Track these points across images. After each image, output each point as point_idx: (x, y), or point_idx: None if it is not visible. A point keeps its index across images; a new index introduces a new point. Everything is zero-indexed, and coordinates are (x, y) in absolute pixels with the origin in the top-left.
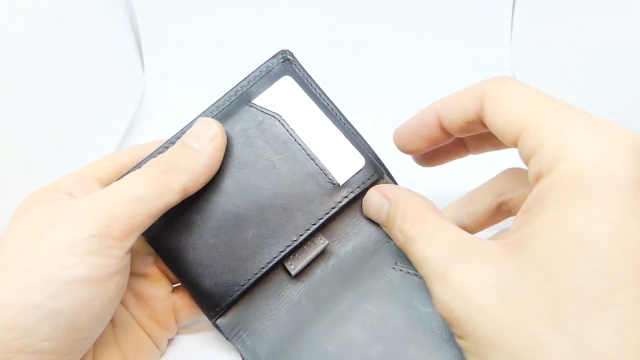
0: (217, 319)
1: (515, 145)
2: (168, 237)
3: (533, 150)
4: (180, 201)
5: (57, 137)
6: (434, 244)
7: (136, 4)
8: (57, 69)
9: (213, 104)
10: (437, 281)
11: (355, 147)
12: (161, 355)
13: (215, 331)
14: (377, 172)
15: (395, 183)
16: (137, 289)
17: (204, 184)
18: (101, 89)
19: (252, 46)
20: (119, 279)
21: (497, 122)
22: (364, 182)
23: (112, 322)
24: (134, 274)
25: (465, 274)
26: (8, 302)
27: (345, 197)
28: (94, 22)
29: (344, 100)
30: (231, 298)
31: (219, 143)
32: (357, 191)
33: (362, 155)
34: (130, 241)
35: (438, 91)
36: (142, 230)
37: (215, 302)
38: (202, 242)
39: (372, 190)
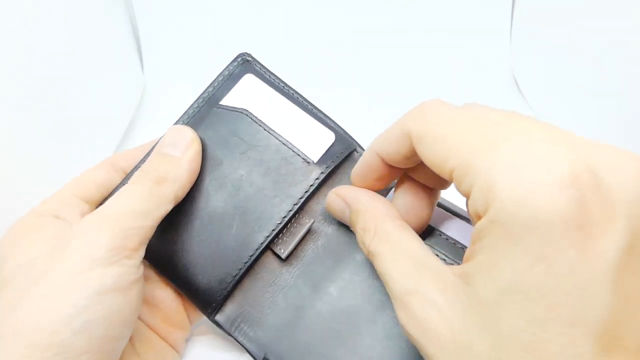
0: (215, 315)
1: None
2: (156, 244)
3: (467, 191)
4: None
5: (57, 137)
6: (395, 263)
7: (136, 4)
8: (57, 69)
9: (183, 113)
10: (398, 305)
11: (323, 125)
12: (181, 358)
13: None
14: (349, 146)
15: None
16: (145, 294)
17: (189, 188)
18: (101, 89)
19: (252, 46)
20: (139, 286)
21: (428, 162)
22: (337, 156)
23: None
24: None
25: (424, 303)
26: (40, 322)
27: (322, 172)
28: (94, 22)
29: (344, 99)
30: (225, 291)
31: (197, 147)
32: (332, 165)
33: (331, 130)
34: (143, 250)
35: (438, 91)
36: (149, 239)
37: (210, 298)
38: (190, 243)
39: (331, 194)
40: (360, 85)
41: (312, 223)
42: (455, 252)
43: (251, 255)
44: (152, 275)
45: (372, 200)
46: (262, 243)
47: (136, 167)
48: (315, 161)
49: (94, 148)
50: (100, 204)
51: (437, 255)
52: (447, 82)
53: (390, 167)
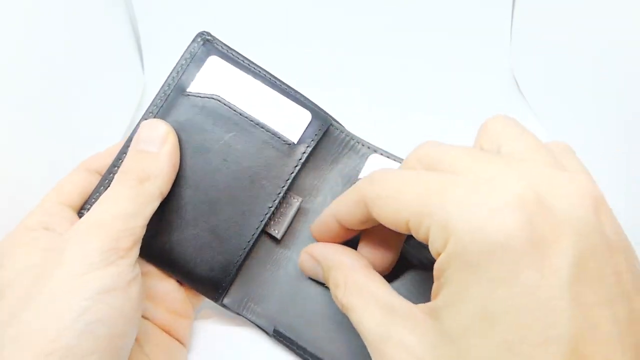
0: (223, 299)
1: (410, 233)
2: (152, 242)
3: (425, 235)
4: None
5: (57, 137)
6: (367, 313)
7: (136, 4)
8: (57, 69)
9: (151, 104)
10: (374, 353)
11: (298, 104)
12: (188, 350)
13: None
14: (325, 121)
15: (342, 126)
16: (147, 289)
17: (172, 183)
18: (101, 89)
19: (252, 46)
20: (137, 283)
21: (384, 220)
22: (316, 134)
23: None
24: None
25: (396, 347)
26: (44, 329)
27: (304, 152)
28: (94, 22)
29: (344, 99)
30: (229, 277)
31: (173, 140)
32: (313, 144)
33: (307, 109)
34: (137, 249)
35: (438, 91)
36: (141, 237)
37: (216, 286)
38: (185, 236)
39: (303, 253)
40: (360, 85)
41: (301, 201)
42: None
43: (249, 241)
44: (152, 270)
45: (340, 254)
46: (257, 228)
47: (112, 167)
48: (295, 142)
49: (94, 148)
50: (82, 207)
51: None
52: (447, 82)
53: (346, 230)
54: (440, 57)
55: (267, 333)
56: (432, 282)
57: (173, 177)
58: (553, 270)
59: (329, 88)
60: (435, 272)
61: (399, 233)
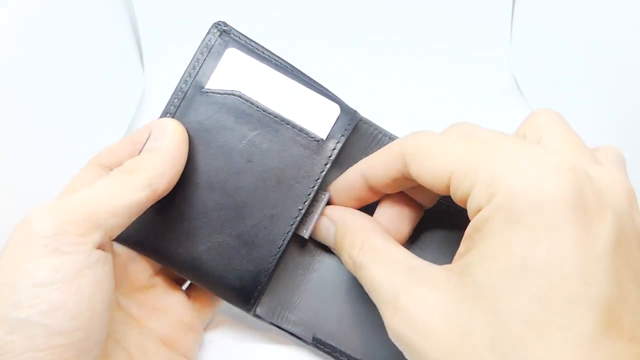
0: (255, 310)
1: (446, 191)
2: (180, 252)
3: (467, 191)
4: (153, 199)
5: (58, 137)
6: (383, 269)
7: (136, 4)
8: (57, 69)
9: (168, 103)
10: (388, 309)
11: (325, 97)
12: None
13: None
14: (354, 116)
15: (370, 120)
16: (152, 302)
17: (174, 180)
18: (102, 89)
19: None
20: (93, 274)
21: (423, 176)
22: (346, 129)
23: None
24: (141, 288)
25: (415, 301)
26: None
27: (334, 149)
28: (94, 22)
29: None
30: (261, 286)
31: (179, 136)
32: (343, 140)
33: (335, 102)
34: (95, 236)
35: (439, 91)
36: (110, 227)
37: (247, 296)
38: (212, 244)
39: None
40: (360, 85)
41: (328, 196)
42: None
43: (279, 247)
44: (158, 281)
45: (360, 217)
46: (288, 232)
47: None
48: (324, 138)
49: (94, 148)
50: None
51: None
52: (447, 81)
53: (369, 191)
54: (440, 56)
55: (305, 342)
56: (451, 252)
57: (172, 171)
58: (596, 236)
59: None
60: (469, 230)
61: (416, 208)
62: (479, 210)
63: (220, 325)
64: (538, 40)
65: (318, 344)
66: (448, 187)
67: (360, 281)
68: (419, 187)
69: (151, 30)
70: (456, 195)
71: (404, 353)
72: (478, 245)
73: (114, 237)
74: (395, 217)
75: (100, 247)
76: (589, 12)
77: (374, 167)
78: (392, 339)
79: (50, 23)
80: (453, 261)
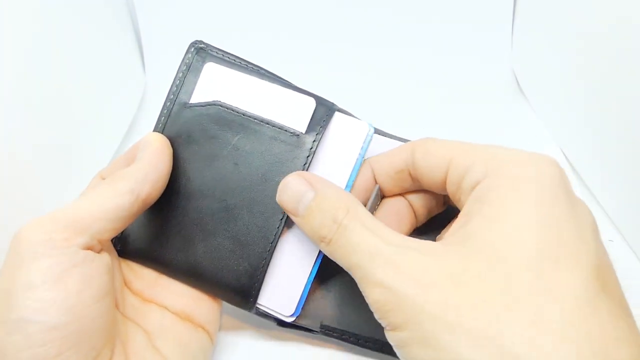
0: (255, 307)
1: (443, 184)
2: (179, 259)
3: (464, 170)
4: (137, 204)
5: (59, 137)
6: (373, 234)
7: (137, 4)
8: (58, 69)
9: (157, 121)
10: (378, 265)
11: (300, 92)
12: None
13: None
14: (331, 107)
15: (346, 111)
16: (161, 282)
17: (158, 185)
18: (102, 89)
19: (252, 46)
20: (79, 272)
21: (427, 162)
22: (324, 120)
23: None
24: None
25: (412, 259)
26: None
27: (314, 140)
28: (95, 22)
29: (344, 99)
30: (257, 283)
31: (158, 144)
32: (322, 131)
33: (310, 96)
34: (80, 239)
35: (439, 90)
36: (97, 230)
37: (245, 294)
38: (208, 247)
39: (293, 174)
40: (360, 84)
41: None
42: None
43: (271, 242)
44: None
45: (343, 190)
46: (278, 227)
47: None
48: (303, 131)
49: (95, 149)
50: None
51: None
52: (447, 81)
53: (374, 184)
54: (441, 56)
55: (312, 332)
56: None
57: (154, 176)
58: (581, 209)
59: (330, 85)
60: (468, 205)
61: (410, 220)
62: (474, 186)
63: (224, 326)
64: (539, 40)
65: (327, 330)
66: (445, 177)
67: (339, 247)
68: (416, 192)
69: (152, 32)
70: (451, 178)
71: (385, 317)
72: (481, 212)
73: (105, 238)
74: (390, 221)
75: (89, 248)
76: (590, 12)
77: (381, 156)
78: (376, 299)
79: (51, 25)
80: (444, 239)
